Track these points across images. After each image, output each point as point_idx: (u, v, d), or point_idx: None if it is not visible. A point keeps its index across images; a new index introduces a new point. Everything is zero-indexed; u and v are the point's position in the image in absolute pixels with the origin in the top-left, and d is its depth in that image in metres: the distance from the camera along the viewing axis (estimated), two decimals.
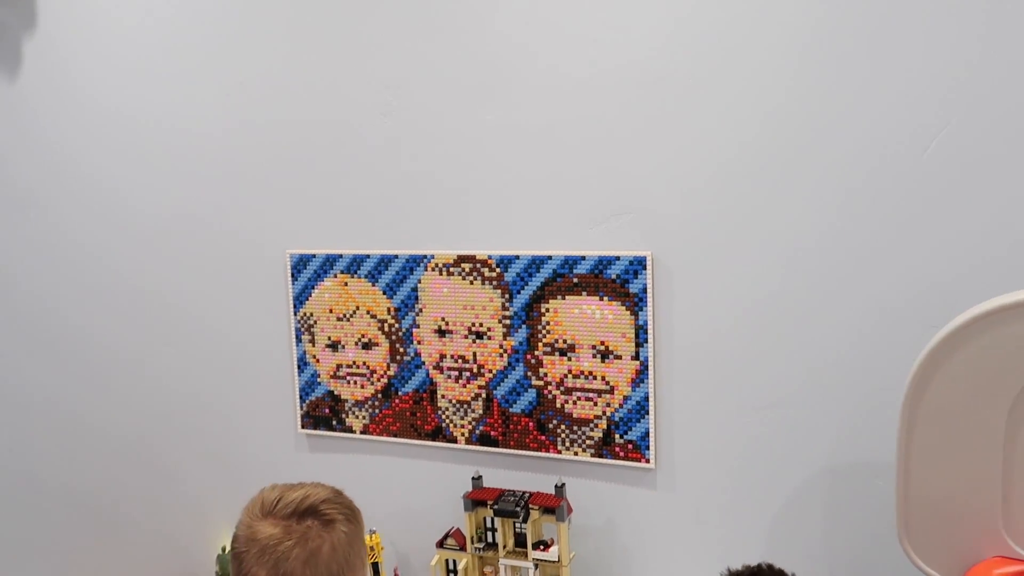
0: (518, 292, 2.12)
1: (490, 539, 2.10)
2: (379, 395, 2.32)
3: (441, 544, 2.13)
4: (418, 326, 2.24)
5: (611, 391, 2.06)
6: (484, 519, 2.10)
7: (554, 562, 2.02)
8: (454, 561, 2.12)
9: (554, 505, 2.01)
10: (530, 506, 2.02)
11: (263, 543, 1.28)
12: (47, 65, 2.64)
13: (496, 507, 2.04)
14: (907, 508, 1.43)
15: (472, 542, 2.10)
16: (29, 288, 2.80)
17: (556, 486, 2.03)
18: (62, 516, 2.88)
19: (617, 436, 2.06)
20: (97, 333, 2.72)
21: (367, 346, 2.31)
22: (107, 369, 2.72)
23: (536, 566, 2.03)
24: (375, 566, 2.27)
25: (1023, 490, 1.33)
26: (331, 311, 2.34)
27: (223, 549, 2.56)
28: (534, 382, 2.13)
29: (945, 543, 1.41)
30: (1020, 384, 1.30)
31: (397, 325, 2.27)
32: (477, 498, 2.08)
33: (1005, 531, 1.36)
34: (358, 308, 2.31)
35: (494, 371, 2.18)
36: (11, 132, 2.73)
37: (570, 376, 2.10)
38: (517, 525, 2.06)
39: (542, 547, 2.04)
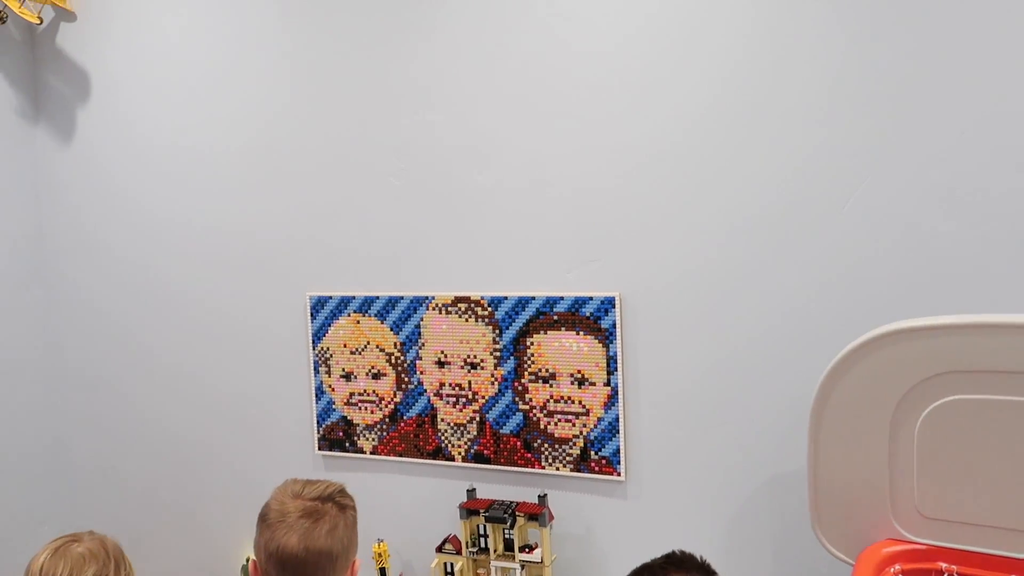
0: (507, 328, 2.45)
1: (483, 544, 2.39)
2: (387, 419, 2.64)
3: (440, 549, 2.43)
4: (421, 358, 2.57)
5: (587, 413, 2.37)
6: (478, 526, 2.40)
7: (538, 563, 2.32)
8: (451, 564, 2.42)
9: (537, 512, 2.31)
10: (517, 514, 2.33)
11: (297, 515, 1.58)
12: (105, 111, 3.03)
13: (487, 515, 2.34)
14: (816, 500, 1.73)
15: (467, 547, 2.40)
16: (105, 309, 3.16)
17: (539, 496, 2.33)
18: (109, 523, 3.19)
19: (592, 453, 2.37)
20: (154, 369, 3.06)
21: (376, 376, 2.64)
22: (160, 396, 3.06)
23: (522, 567, 2.33)
24: (382, 571, 2.57)
25: (904, 482, 1.63)
26: (345, 345, 2.67)
27: (247, 560, 2.85)
28: (521, 406, 2.45)
29: (847, 528, 1.70)
30: (901, 393, 1.60)
31: (403, 357, 2.59)
32: (471, 507, 2.38)
33: (893, 517, 1.65)
34: (368, 343, 2.64)
35: (486, 397, 2.50)
36: (80, 175, 3.11)
37: (552, 401, 2.41)
38: (506, 531, 2.36)
39: (527, 550, 2.34)
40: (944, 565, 1.60)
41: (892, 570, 1.62)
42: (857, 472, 1.67)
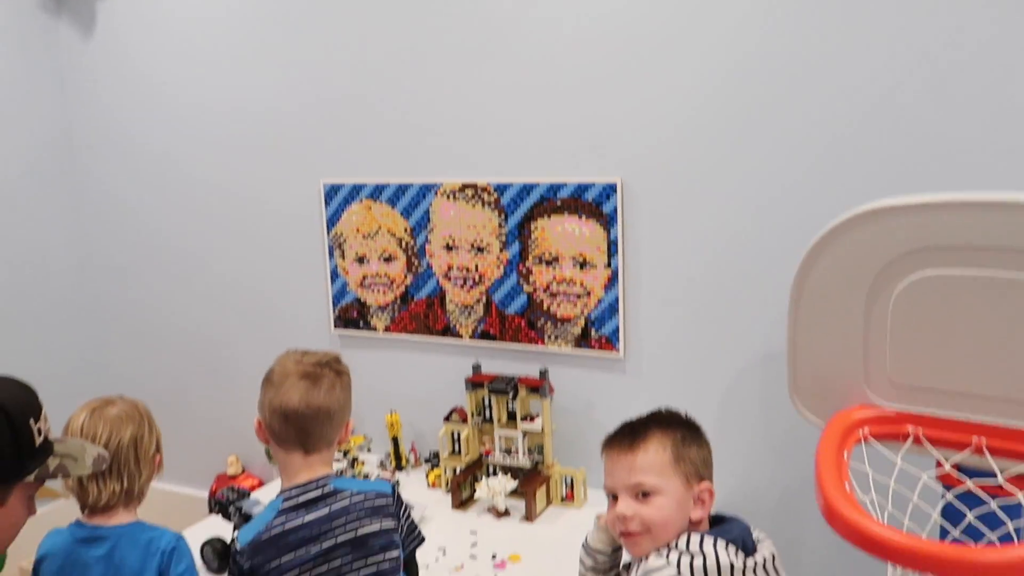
0: (512, 213, 2.54)
1: (487, 415, 2.55)
2: (398, 300, 2.77)
3: (447, 419, 2.59)
4: (430, 242, 2.68)
5: (588, 295, 2.48)
6: (483, 398, 2.55)
7: (538, 432, 2.48)
8: (458, 432, 2.58)
9: (538, 385, 2.45)
10: (519, 386, 2.47)
11: (298, 377, 1.76)
12: (111, 55, 3.09)
13: (491, 387, 2.49)
14: (795, 369, 1.84)
15: (472, 417, 2.56)
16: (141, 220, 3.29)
17: (540, 371, 2.47)
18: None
19: (593, 331, 2.50)
20: (179, 252, 3.20)
21: (388, 260, 2.76)
22: (187, 277, 3.21)
23: (524, 435, 2.49)
24: (395, 440, 2.75)
25: (877, 352, 1.74)
26: (358, 231, 2.79)
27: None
28: (525, 288, 2.57)
29: (823, 396, 1.82)
30: (878, 268, 1.69)
31: (412, 242, 2.71)
32: (476, 381, 2.53)
33: (865, 385, 1.77)
34: (380, 228, 2.75)
35: (492, 279, 2.61)
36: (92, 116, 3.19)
37: (554, 282, 2.53)
38: (508, 402, 2.51)
39: (529, 420, 2.49)
40: (911, 428, 1.72)
41: (861, 432, 1.74)
42: (833, 343, 1.77)
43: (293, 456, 1.81)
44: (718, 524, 1.67)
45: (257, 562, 1.72)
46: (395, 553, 1.80)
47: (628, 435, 1.67)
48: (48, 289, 3.30)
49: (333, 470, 1.88)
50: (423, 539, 1.92)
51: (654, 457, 1.62)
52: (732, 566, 1.51)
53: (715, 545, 1.53)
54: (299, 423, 1.76)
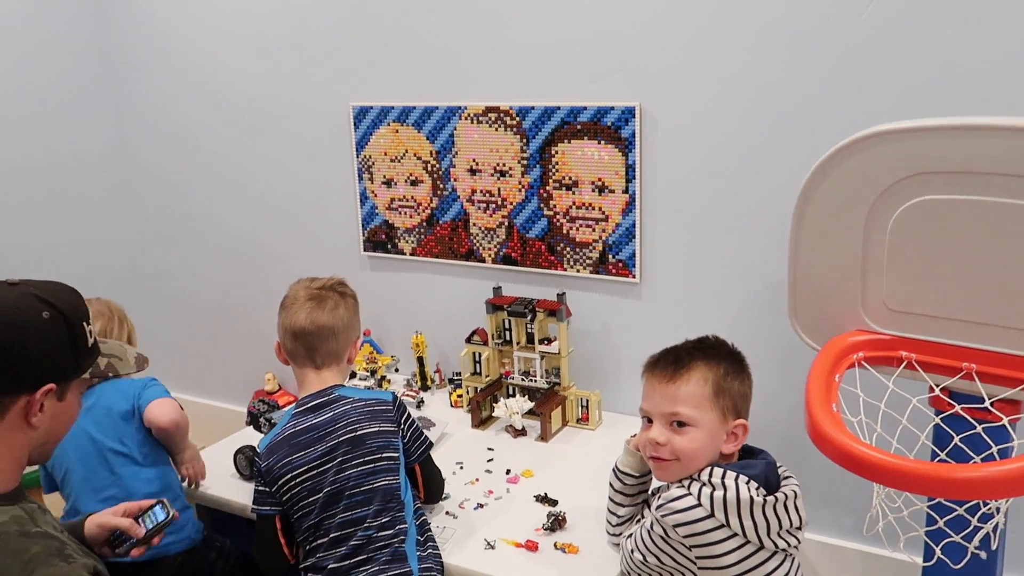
0: (533, 137, 2.56)
1: (507, 337, 2.62)
2: (424, 223, 2.83)
3: (469, 340, 2.67)
4: (454, 166, 2.72)
5: (606, 219, 2.51)
6: (503, 320, 2.61)
7: (555, 354, 2.53)
8: (479, 353, 2.66)
9: (555, 308, 2.50)
10: (536, 309, 2.53)
11: (304, 299, 1.99)
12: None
13: (510, 309, 2.55)
14: (795, 295, 1.86)
15: (493, 338, 2.62)
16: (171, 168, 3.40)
17: (558, 294, 2.52)
18: (183, 316, 3.57)
19: (610, 256, 2.53)
20: (218, 166, 3.31)
21: (414, 183, 2.81)
22: (226, 193, 3.33)
23: (542, 357, 2.55)
24: (420, 360, 2.84)
25: (875, 278, 1.74)
26: (385, 154, 2.84)
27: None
28: (545, 212, 2.60)
29: (820, 319, 1.83)
30: (876, 193, 1.68)
31: (438, 165, 2.75)
32: (496, 303, 2.59)
33: (862, 310, 1.77)
34: (407, 151, 2.80)
35: (514, 203, 2.65)
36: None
37: (574, 207, 2.55)
38: (527, 325, 2.57)
39: (546, 342, 2.55)
40: (904, 353, 1.73)
41: (856, 356, 1.76)
42: (832, 268, 1.78)
43: (306, 371, 2.01)
44: (747, 456, 1.72)
45: (271, 462, 1.89)
46: (393, 453, 1.92)
47: (672, 363, 1.69)
48: (90, 196, 3.45)
49: (344, 382, 2.02)
50: (430, 443, 2.04)
51: (694, 389, 1.65)
52: (752, 500, 1.55)
53: (737, 480, 1.57)
54: (306, 340, 1.97)
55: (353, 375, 2.82)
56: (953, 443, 1.66)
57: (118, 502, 1.75)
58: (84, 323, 1.46)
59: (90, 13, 3.35)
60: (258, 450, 1.99)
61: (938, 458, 1.70)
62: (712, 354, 1.71)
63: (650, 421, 1.71)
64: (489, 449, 2.45)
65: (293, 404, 2.02)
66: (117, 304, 2.31)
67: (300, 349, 1.98)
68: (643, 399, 1.73)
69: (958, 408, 1.66)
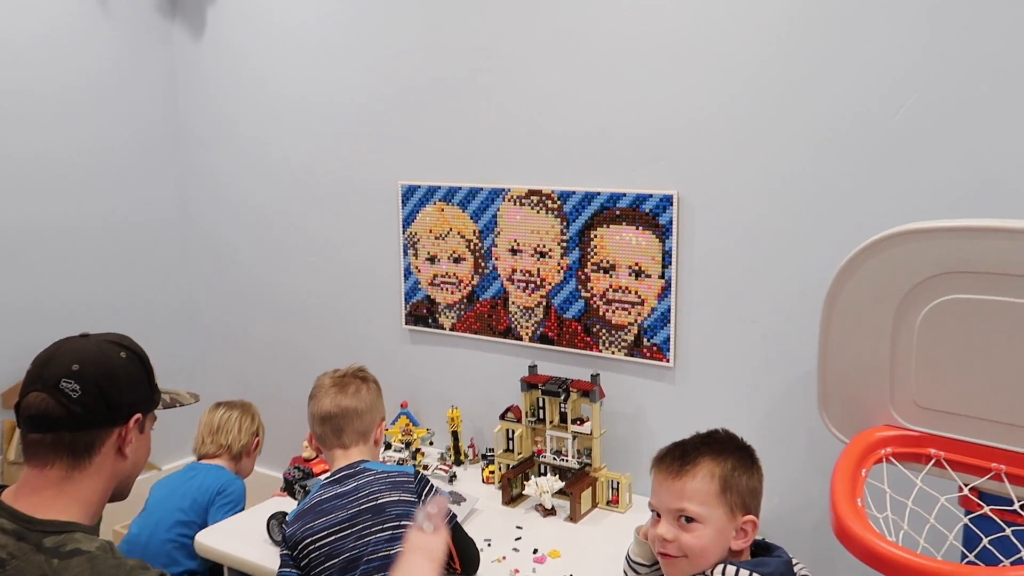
0: (573, 220, 2.63)
1: (540, 415, 2.64)
2: (465, 300, 2.90)
3: (503, 417, 2.70)
4: (496, 245, 2.79)
5: (642, 303, 2.55)
6: (537, 399, 2.64)
7: (587, 435, 2.55)
8: (512, 430, 2.68)
9: (589, 389, 2.53)
10: (571, 389, 2.55)
11: (329, 386, 2.21)
12: (235, 5, 3.34)
13: (544, 388, 2.58)
14: (824, 387, 1.87)
15: (526, 416, 2.65)
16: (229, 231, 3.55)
17: (592, 375, 2.55)
18: (230, 377, 3.65)
19: (645, 340, 2.56)
20: (272, 237, 3.43)
21: (457, 260, 2.89)
22: (277, 266, 3.44)
23: (574, 437, 2.57)
24: (455, 434, 2.87)
25: (903, 373, 1.74)
26: (430, 231, 2.93)
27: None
28: (583, 294, 2.65)
29: (850, 413, 1.84)
30: (905, 291, 1.70)
31: (480, 244, 2.83)
32: (531, 381, 2.63)
33: (891, 405, 1.78)
34: (451, 229, 2.88)
35: (553, 284, 2.71)
36: (205, 117, 3.46)
37: (611, 290, 2.60)
38: (561, 404, 2.59)
39: (579, 422, 2.57)
40: (933, 451, 1.72)
41: (883, 452, 1.75)
42: (861, 363, 1.79)
43: (335, 452, 2.17)
44: (763, 552, 1.70)
45: (296, 528, 1.97)
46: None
47: (679, 458, 1.69)
48: (151, 256, 3.61)
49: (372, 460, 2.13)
50: (453, 515, 2.04)
51: (701, 485, 1.64)
52: None
53: None
54: (333, 423, 2.15)
55: (388, 446, 2.86)
56: (982, 545, 1.64)
57: None
58: (149, 362, 1.63)
59: (163, 93, 3.56)
60: (288, 518, 2.06)
61: (966, 560, 1.67)
62: (719, 448, 1.70)
63: (659, 516, 1.71)
64: (518, 527, 2.45)
65: (325, 474, 2.09)
66: (254, 407, 3.01)
67: (328, 432, 2.15)
68: (651, 494, 1.73)
69: (986, 509, 1.64)
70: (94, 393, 1.46)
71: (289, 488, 2.64)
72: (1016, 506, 1.60)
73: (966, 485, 1.68)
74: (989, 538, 1.63)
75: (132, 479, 1.61)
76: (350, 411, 2.14)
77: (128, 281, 3.53)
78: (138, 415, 1.54)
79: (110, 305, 3.46)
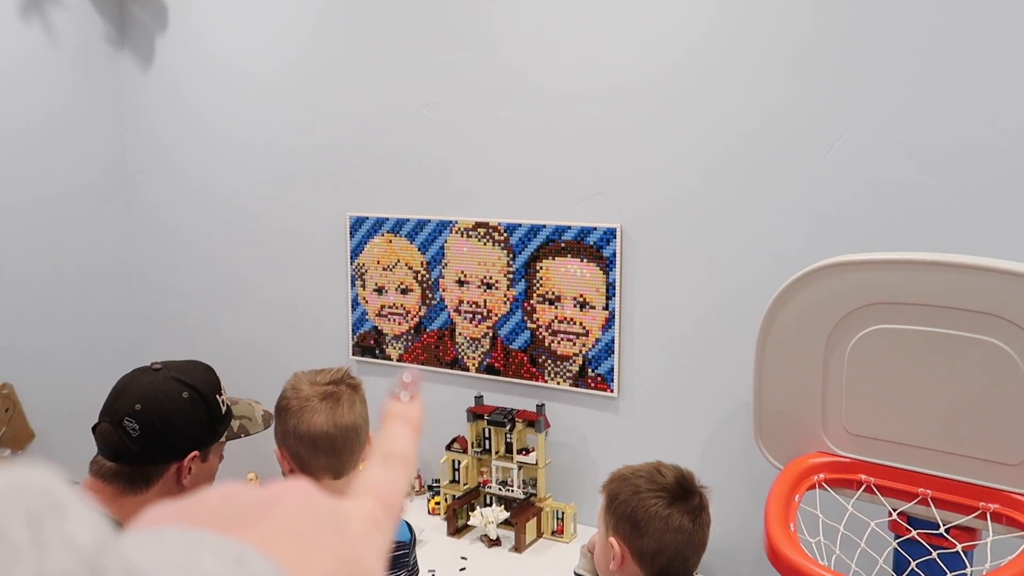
0: (519, 253, 2.67)
1: (486, 446, 2.66)
2: (412, 331, 2.91)
3: (449, 447, 2.71)
4: (443, 277, 2.82)
5: (586, 334, 2.59)
6: (483, 429, 2.65)
7: (533, 465, 2.57)
8: (458, 461, 2.69)
9: (534, 419, 2.55)
10: (516, 420, 2.58)
11: (318, 399, 1.69)
12: (182, 39, 3.34)
13: (489, 419, 2.60)
14: (760, 415, 1.92)
15: (472, 447, 2.66)
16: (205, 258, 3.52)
17: (537, 406, 2.57)
18: None
19: (589, 370, 2.59)
20: (218, 274, 3.41)
21: (404, 291, 2.91)
22: (223, 299, 3.42)
23: (519, 467, 2.58)
24: None
25: (834, 402, 1.80)
26: (378, 262, 2.94)
27: None
28: (529, 325, 2.68)
29: (784, 440, 1.89)
30: (834, 321, 1.77)
31: (427, 275, 2.85)
32: (477, 412, 2.64)
33: (823, 432, 1.83)
34: (399, 261, 2.90)
35: (499, 315, 2.74)
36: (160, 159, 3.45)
37: (556, 321, 2.63)
38: (506, 434, 2.61)
39: (525, 453, 2.59)
40: (863, 477, 1.78)
41: (816, 478, 1.80)
42: (794, 391, 1.84)
43: (322, 485, 1.85)
44: None
45: None
46: None
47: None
48: (95, 297, 3.53)
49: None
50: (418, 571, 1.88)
51: None
52: None
53: None
54: (329, 446, 1.69)
55: None
56: (910, 568, 1.69)
57: None
58: (217, 395, 1.65)
59: (110, 128, 3.48)
60: None
61: None
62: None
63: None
64: (463, 558, 2.45)
65: None
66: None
67: (320, 458, 1.70)
68: None
69: (914, 533, 1.69)
70: (151, 434, 1.54)
71: None
72: (942, 530, 1.65)
73: (895, 510, 1.73)
74: (917, 561, 1.68)
75: None
76: (350, 430, 1.69)
77: (70, 317, 3.46)
78: (195, 452, 1.59)
79: (46, 352, 3.36)
